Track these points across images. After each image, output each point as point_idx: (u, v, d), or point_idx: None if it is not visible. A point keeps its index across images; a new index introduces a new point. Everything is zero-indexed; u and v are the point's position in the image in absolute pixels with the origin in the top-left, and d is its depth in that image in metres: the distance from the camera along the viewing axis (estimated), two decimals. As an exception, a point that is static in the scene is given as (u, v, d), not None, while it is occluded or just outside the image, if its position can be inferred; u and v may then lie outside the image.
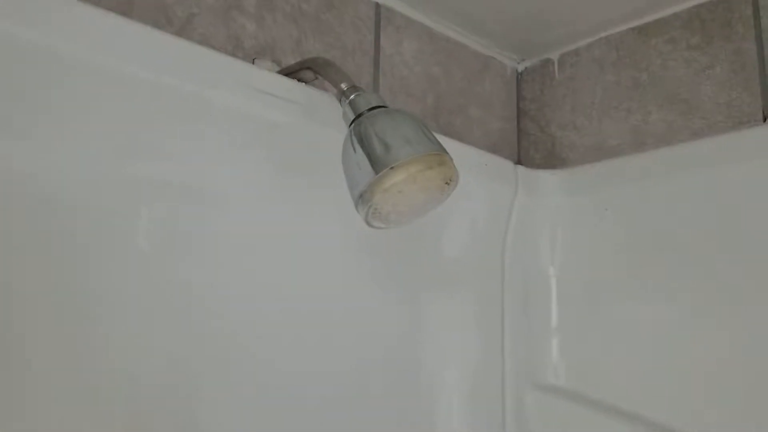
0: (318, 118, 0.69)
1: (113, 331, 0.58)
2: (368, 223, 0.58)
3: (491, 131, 1.02)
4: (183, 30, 0.72)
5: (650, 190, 0.84)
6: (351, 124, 0.60)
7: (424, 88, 0.94)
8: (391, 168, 0.55)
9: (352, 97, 0.61)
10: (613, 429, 0.82)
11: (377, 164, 0.55)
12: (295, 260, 0.70)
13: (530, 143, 1.05)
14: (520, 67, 1.09)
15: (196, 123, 0.64)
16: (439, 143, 0.58)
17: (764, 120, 0.80)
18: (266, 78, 0.68)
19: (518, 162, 1.03)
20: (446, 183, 0.58)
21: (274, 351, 0.68)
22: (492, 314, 0.89)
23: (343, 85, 0.62)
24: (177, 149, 0.63)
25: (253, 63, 0.76)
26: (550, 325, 0.91)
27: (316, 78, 0.69)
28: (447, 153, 0.57)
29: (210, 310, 0.64)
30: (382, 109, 0.60)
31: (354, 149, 0.57)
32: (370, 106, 0.60)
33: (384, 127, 0.57)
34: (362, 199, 0.56)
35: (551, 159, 1.01)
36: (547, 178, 0.94)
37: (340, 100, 0.62)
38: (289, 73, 0.71)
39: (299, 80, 0.70)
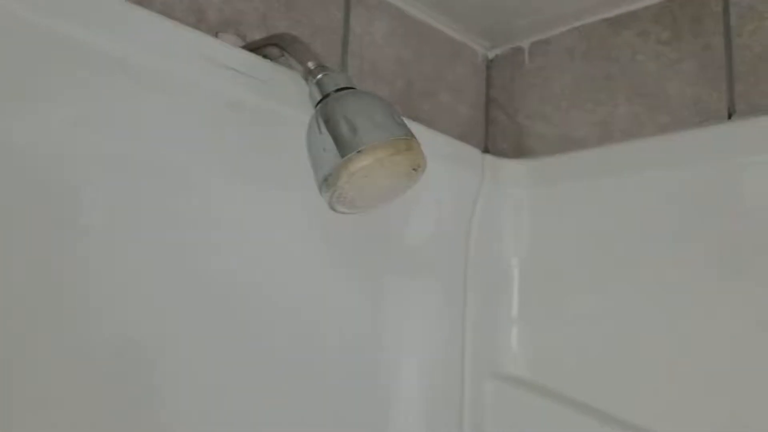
0: (283, 97, 0.67)
1: (65, 309, 0.56)
2: (332, 208, 0.57)
3: (460, 118, 1.01)
4: (143, -1, 0.69)
5: (615, 183, 0.85)
6: (317, 105, 0.58)
7: (394, 70, 0.93)
8: (358, 151, 0.53)
9: (319, 76, 0.59)
10: (568, 419, 0.82)
11: (343, 147, 0.53)
12: (254, 243, 0.69)
13: (498, 131, 1.04)
14: (491, 54, 1.08)
15: (155, 97, 0.61)
16: (407, 128, 0.56)
17: (729, 117, 0.80)
18: (230, 53, 0.66)
19: (485, 150, 1.02)
20: (414, 169, 0.57)
21: (230, 335, 0.66)
22: (454, 303, 0.88)
23: (310, 64, 0.60)
24: (134, 123, 0.61)
25: (216, 36, 0.74)
26: (510, 314, 0.91)
27: (282, 55, 0.67)
28: (415, 138, 0.56)
29: (163, 290, 0.62)
30: (350, 90, 0.58)
31: (320, 131, 0.55)
32: (338, 87, 0.58)
33: (352, 109, 0.55)
34: (327, 182, 0.54)
35: (518, 148, 1.01)
36: (513, 167, 0.93)
37: (306, 80, 0.60)
38: (254, 48, 0.69)
39: (264, 56, 0.68)
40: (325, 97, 0.58)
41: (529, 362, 0.89)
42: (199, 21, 0.73)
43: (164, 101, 0.62)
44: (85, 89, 0.57)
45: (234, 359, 0.66)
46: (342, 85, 0.58)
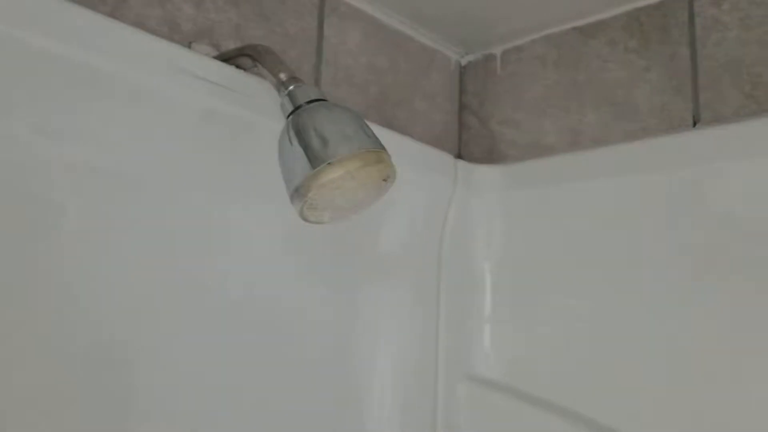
0: (256, 107, 0.67)
1: (41, 316, 0.56)
2: (303, 218, 0.58)
3: (434, 124, 1.03)
4: (117, 10, 0.70)
5: (584, 188, 0.86)
6: (289, 116, 0.59)
7: (368, 78, 0.94)
8: (329, 163, 0.54)
9: (291, 88, 0.60)
10: (542, 421, 0.83)
11: (314, 159, 0.54)
12: (229, 252, 0.69)
13: (471, 137, 1.06)
14: (464, 61, 1.09)
15: (127, 107, 0.62)
16: (377, 140, 0.57)
17: (694, 125, 0.82)
18: (202, 63, 0.66)
19: (459, 156, 1.03)
20: (384, 180, 0.58)
21: (204, 343, 0.67)
22: (428, 307, 0.90)
23: (282, 76, 0.61)
24: (106, 134, 0.61)
25: (189, 47, 0.74)
26: (483, 317, 0.93)
27: (255, 66, 0.68)
28: (385, 150, 0.57)
29: (138, 298, 0.62)
30: (322, 102, 0.59)
31: (291, 142, 0.56)
32: (309, 99, 0.59)
33: (322, 122, 0.56)
34: (298, 193, 0.55)
35: (491, 154, 1.02)
36: (485, 173, 0.95)
37: (278, 91, 0.61)
38: (227, 59, 0.69)
39: (237, 67, 0.69)
40: (296, 108, 0.59)
41: (502, 364, 0.91)
42: (172, 32, 0.73)
43: (137, 112, 0.62)
44: (56, 100, 0.58)
45: (211, 364, 0.67)
46: (313, 97, 0.59)
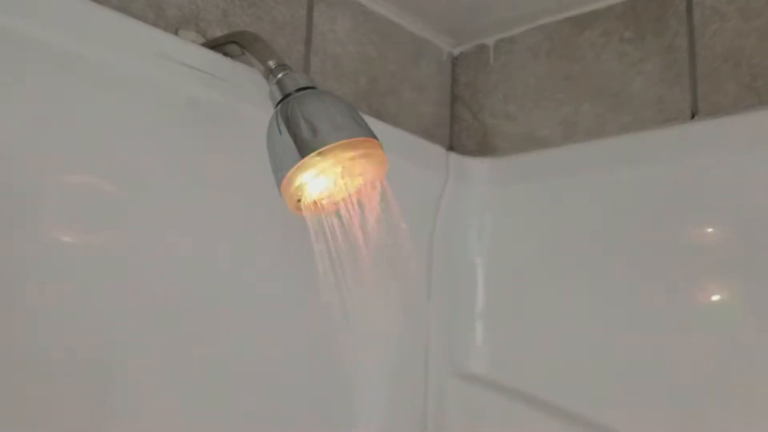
0: (243, 96, 0.66)
1: (16, 318, 0.54)
2: (292, 209, 0.56)
3: (425, 116, 1.01)
4: (100, -6, 0.67)
5: (578, 182, 0.85)
6: (278, 105, 0.56)
7: (358, 68, 0.91)
8: (318, 153, 0.52)
9: (279, 76, 0.58)
10: (531, 419, 0.82)
11: (303, 148, 0.52)
12: (215, 244, 0.67)
13: (462, 129, 1.04)
14: (456, 52, 1.07)
15: (112, 95, 0.60)
16: (369, 129, 0.55)
17: (692, 117, 0.81)
18: (189, 50, 0.65)
19: (450, 148, 1.01)
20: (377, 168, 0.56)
21: (191, 336, 0.65)
22: (418, 301, 0.88)
23: (271, 63, 0.59)
24: (89, 121, 0.59)
25: (176, 33, 0.72)
26: (475, 312, 0.91)
27: (243, 53, 0.66)
28: (377, 139, 0.55)
29: (120, 295, 0.60)
30: (311, 90, 0.57)
31: (279, 131, 0.54)
32: (299, 87, 0.57)
33: (312, 110, 0.54)
34: (286, 183, 0.53)
35: (483, 146, 1.00)
36: (477, 165, 0.93)
37: (267, 79, 0.59)
38: (215, 46, 0.67)
39: (225, 54, 0.67)
40: (285, 96, 0.56)
41: (493, 361, 0.89)
42: (157, 17, 0.71)
43: (121, 99, 0.60)
44: (38, 87, 0.56)
45: (194, 362, 0.65)
46: (303, 85, 0.57)
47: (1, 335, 0.53)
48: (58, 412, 0.56)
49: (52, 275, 0.56)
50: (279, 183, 0.54)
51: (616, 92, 0.88)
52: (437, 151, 0.90)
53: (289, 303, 0.74)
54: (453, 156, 0.91)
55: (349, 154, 0.53)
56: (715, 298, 0.74)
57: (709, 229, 0.75)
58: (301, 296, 0.75)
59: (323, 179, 0.53)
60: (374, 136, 0.55)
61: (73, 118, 0.58)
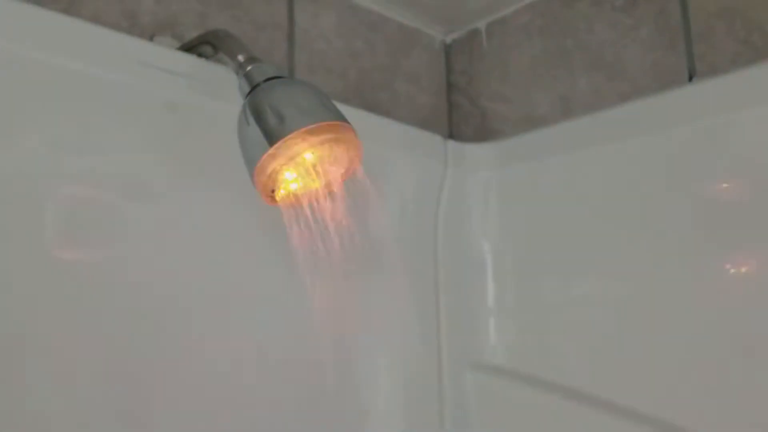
0: (219, 95, 0.65)
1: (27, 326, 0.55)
2: (266, 200, 0.54)
3: (420, 106, 0.99)
4: (72, 6, 0.67)
5: (580, 157, 0.82)
6: (246, 97, 0.56)
7: (346, 63, 0.90)
8: (287, 140, 0.51)
9: (248, 68, 0.57)
10: (554, 406, 0.80)
11: (271, 136, 0.51)
12: (206, 245, 0.67)
13: (461, 117, 1.02)
14: (448, 39, 1.05)
15: (89, 105, 0.60)
16: (339, 113, 0.54)
17: (690, 80, 0.78)
18: (163, 55, 0.65)
19: (450, 137, 1.00)
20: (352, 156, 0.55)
21: (193, 340, 0.65)
22: (426, 294, 0.86)
23: (240, 57, 0.58)
24: (69, 133, 0.59)
25: (152, 40, 0.72)
26: (486, 302, 0.89)
27: (217, 53, 0.65)
28: (348, 123, 0.54)
29: (115, 297, 0.60)
30: (280, 79, 0.56)
31: (248, 122, 0.53)
32: (267, 77, 0.56)
33: (278, 98, 0.53)
34: (257, 173, 0.52)
35: (483, 132, 0.98)
36: (476, 151, 0.91)
37: (237, 73, 0.58)
38: (189, 48, 0.67)
39: (199, 55, 0.66)
40: (253, 88, 0.55)
41: (507, 351, 0.87)
42: (132, 26, 0.71)
43: (99, 107, 0.60)
44: (13, 100, 0.56)
45: (204, 361, 0.65)
46: (270, 75, 0.56)
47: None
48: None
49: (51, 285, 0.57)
50: (250, 174, 0.53)
51: (611, 62, 0.85)
52: (434, 139, 0.88)
53: (298, 303, 0.73)
54: (451, 143, 0.89)
55: (318, 137, 0.51)
56: (736, 263, 0.70)
57: (723, 192, 0.72)
58: (300, 294, 0.74)
59: (294, 166, 0.52)
60: (346, 121, 0.54)
61: (51, 129, 0.58)
